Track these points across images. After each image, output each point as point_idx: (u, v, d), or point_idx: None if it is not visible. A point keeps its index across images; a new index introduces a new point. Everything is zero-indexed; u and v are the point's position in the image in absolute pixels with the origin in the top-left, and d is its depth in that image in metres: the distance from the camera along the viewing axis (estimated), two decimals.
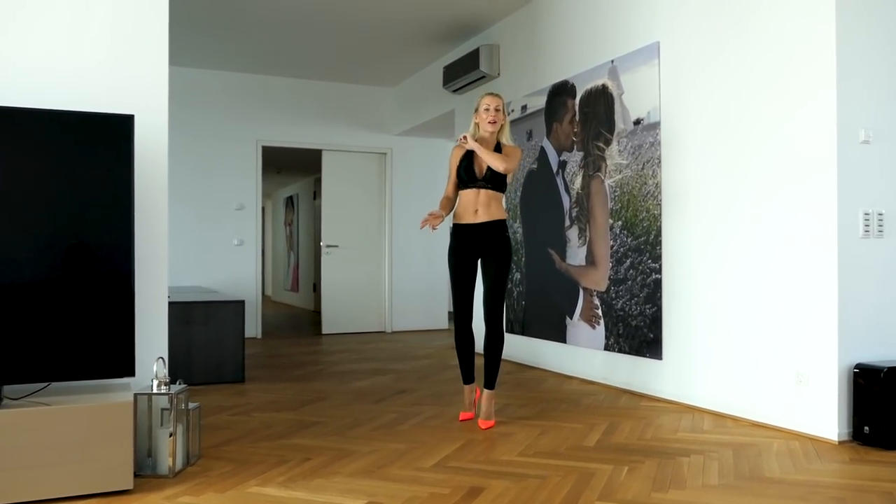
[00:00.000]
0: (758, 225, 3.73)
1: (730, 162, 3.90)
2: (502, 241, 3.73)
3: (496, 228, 3.73)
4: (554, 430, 3.60)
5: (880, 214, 3.44)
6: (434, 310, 8.70)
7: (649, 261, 4.44)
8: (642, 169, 4.50)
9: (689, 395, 4.15)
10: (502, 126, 3.80)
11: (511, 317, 6.00)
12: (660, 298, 4.35)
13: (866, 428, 3.25)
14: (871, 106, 3.44)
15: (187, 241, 7.63)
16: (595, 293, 4.93)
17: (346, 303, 8.39)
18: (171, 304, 4.34)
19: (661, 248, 4.36)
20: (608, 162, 4.81)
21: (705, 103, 4.06)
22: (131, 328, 2.79)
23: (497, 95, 3.81)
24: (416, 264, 8.62)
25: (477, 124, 3.79)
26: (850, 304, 3.36)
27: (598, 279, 4.90)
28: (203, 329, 4.97)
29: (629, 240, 4.61)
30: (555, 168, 5.42)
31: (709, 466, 2.95)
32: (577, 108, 5.17)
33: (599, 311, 4.88)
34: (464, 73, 6.55)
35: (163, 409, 2.91)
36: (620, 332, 4.68)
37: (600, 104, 4.90)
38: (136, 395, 2.83)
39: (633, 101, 4.60)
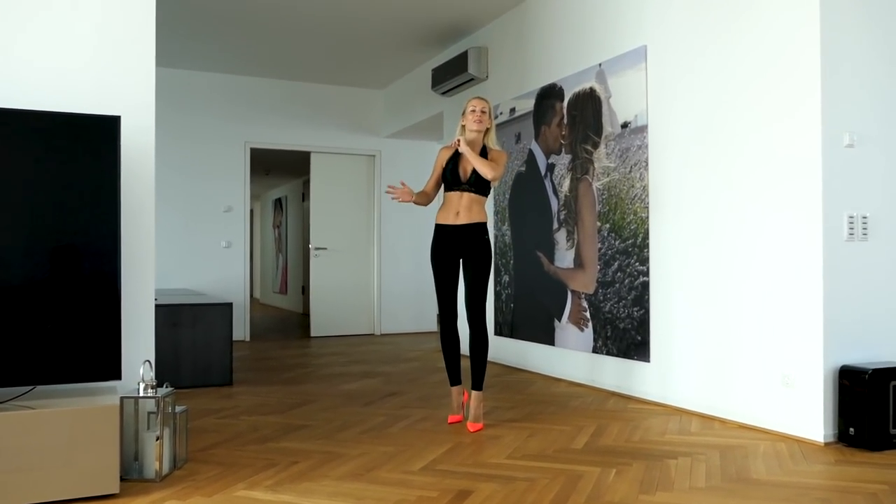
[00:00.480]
0: (744, 227, 3.75)
1: (716, 165, 3.92)
2: (482, 244, 3.77)
3: (476, 231, 3.76)
4: (542, 432, 3.61)
5: (864, 217, 3.47)
6: (423, 312, 8.69)
7: (637, 263, 4.46)
8: (630, 172, 4.52)
9: (676, 398, 4.17)
10: (488, 130, 3.85)
11: (499, 319, 6.00)
12: (647, 301, 4.37)
13: (851, 429, 3.27)
14: (856, 109, 3.47)
15: (175, 243, 7.59)
16: (583, 296, 4.95)
17: (334, 305, 8.37)
18: (158, 306, 4.31)
19: (648, 251, 4.38)
20: (596, 165, 4.83)
21: (691, 106, 4.09)
22: (117, 331, 2.77)
23: (484, 99, 3.88)
24: (405, 267, 8.61)
25: (463, 126, 3.83)
26: (836, 306, 3.38)
27: (586, 282, 4.91)
28: (190, 332, 4.95)
29: (617, 242, 4.63)
30: (543, 171, 5.43)
31: (696, 468, 2.97)
32: (565, 111, 5.18)
33: (587, 314, 4.90)
34: (452, 75, 6.55)
35: (149, 413, 2.89)
36: (608, 334, 4.70)
37: (588, 107, 4.92)
38: (122, 399, 2.81)
39: (620, 105, 4.62)
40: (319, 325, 8.30)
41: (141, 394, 2.86)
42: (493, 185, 3.87)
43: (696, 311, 4.05)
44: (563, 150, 5.19)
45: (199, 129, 7.76)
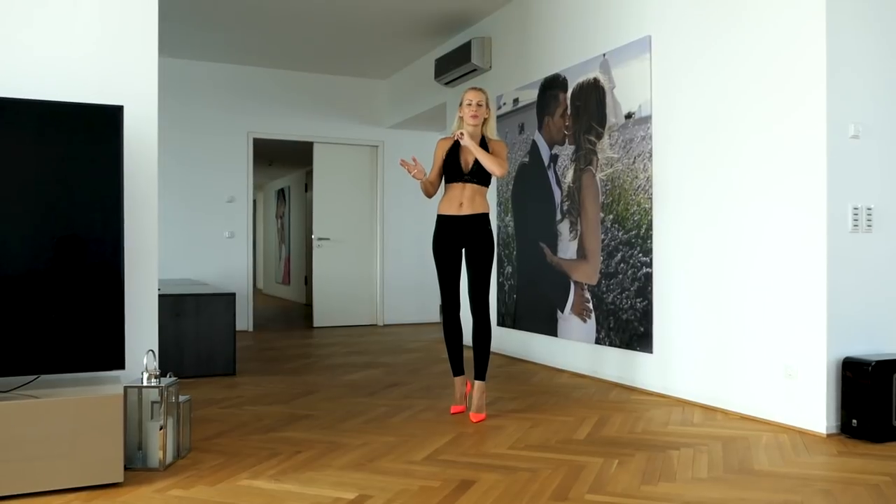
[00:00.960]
0: (747, 219, 3.74)
1: (720, 156, 3.91)
2: (485, 234, 3.76)
3: (479, 221, 3.76)
4: (544, 423, 3.61)
5: (869, 209, 3.46)
6: (426, 303, 8.70)
7: (640, 255, 4.45)
8: (633, 163, 4.51)
9: (679, 389, 4.17)
10: (486, 120, 3.81)
11: (502, 310, 6.00)
12: (650, 292, 4.37)
13: (854, 421, 3.27)
14: (862, 101, 3.45)
15: (178, 233, 7.59)
16: (586, 287, 4.94)
17: (337, 296, 8.38)
18: (161, 296, 4.32)
19: (651, 242, 4.37)
20: (599, 156, 4.82)
21: (696, 97, 4.07)
22: (121, 321, 2.77)
23: (480, 90, 3.81)
24: (408, 257, 8.61)
25: (461, 118, 3.80)
26: (839, 298, 3.38)
27: (590, 273, 4.91)
28: (194, 322, 4.96)
29: (620, 233, 4.62)
30: (546, 162, 5.42)
31: (698, 459, 2.97)
32: (568, 101, 5.17)
33: (590, 305, 4.89)
34: (455, 65, 6.53)
35: (153, 402, 2.90)
36: (611, 325, 4.70)
37: (592, 98, 4.91)
38: (126, 388, 2.82)
39: (624, 95, 4.60)
40: (322, 315, 8.31)
41: (144, 383, 2.87)
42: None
43: (699, 302, 4.04)
44: (567, 140, 5.17)
45: (202, 119, 7.75)
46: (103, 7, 3.16)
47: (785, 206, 3.54)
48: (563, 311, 5.19)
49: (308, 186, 11.30)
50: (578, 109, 5.05)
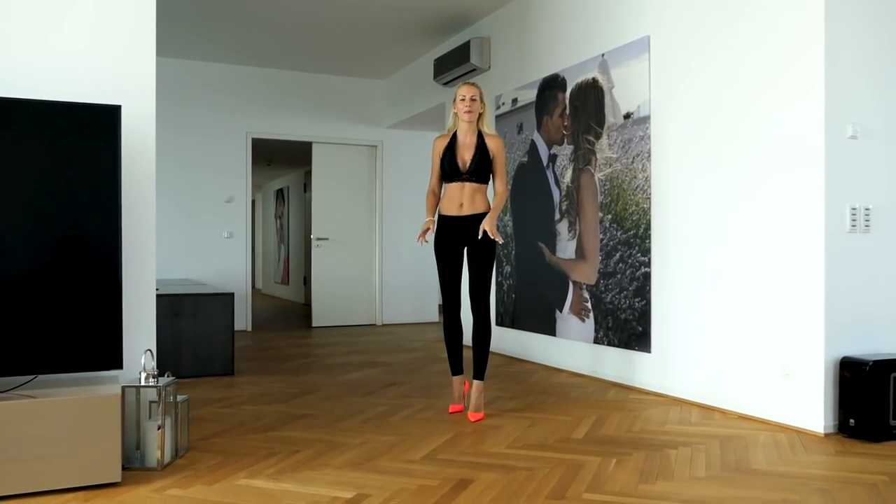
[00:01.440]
0: (746, 219, 3.74)
1: (718, 156, 3.91)
2: (486, 234, 3.74)
3: (481, 221, 3.74)
4: (543, 422, 3.61)
5: (867, 209, 3.46)
6: (424, 303, 8.70)
7: (638, 254, 4.46)
8: (632, 163, 4.51)
9: (676, 388, 4.17)
10: (482, 115, 3.80)
11: (501, 310, 6.01)
12: (648, 292, 4.37)
13: (852, 420, 3.28)
14: (860, 101, 3.46)
15: (176, 233, 7.59)
16: (584, 286, 4.95)
17: (336, 296, 8.38)
18: (159, 296, 4.32)
19: (650, 242, 4.38)
20: (598, 155, 4.82)
21: (694, 97, 4.07)
22: (119, 320, 2.77)
23: (473, 84, 3.79)
24: (407, 257, 8.61)
25: (455, 114, 3.80)
26: (837, 297, 3.38)
27: (588, 272, 4.91)
28: (192, 321, 4.96)
29: (619, 233, 4.63)
30: (545, 161, 5.42)
31: (696, 458, 2.97)
32: (567, 101, 5.17)
33: (589, 305, 4.90)
34: (454, 65, 6.53)
35: (151, 402, 2.90)
36: (609, 325, 4.70)
37: (590, 98, 4.91)
38: (124, 388, 2.82)
39: (623, 95, 4.60)
40: (321, 315, 8.31)
41: (142, 383, 2.87)
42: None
43: (697, 301, 4.05)
44: (566, 140, 5.17)
45: (200, 120, 7.75)
46: (100, 6, 3.15)
47: (783, 206, 3.54)
48: (561, 311, 5.20)
49: (307, 186, 11.30)
50: (577, 109, 5.05)
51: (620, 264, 4.61)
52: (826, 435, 3.33)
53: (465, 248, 3.81)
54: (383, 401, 4.13)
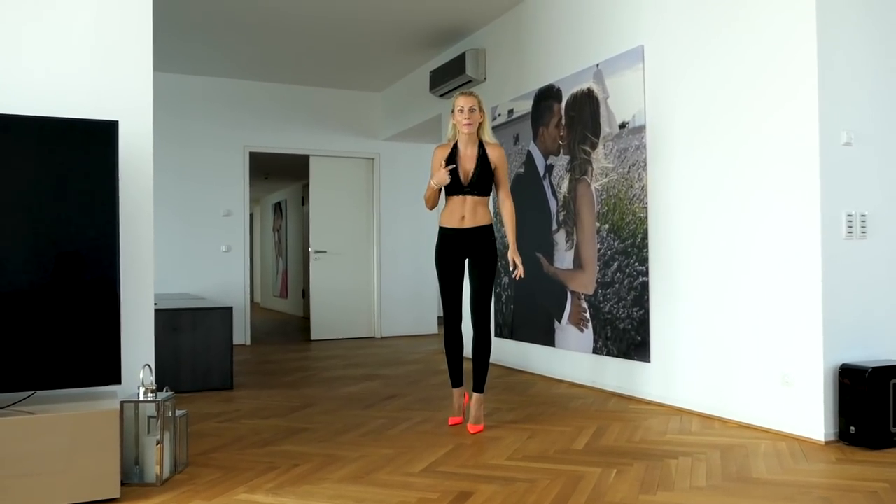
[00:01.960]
0: (742, 227, 3.75)
1: (714, 164, 3.93)
2: (488, 246, 3.75)
3: (482, 233, 3.75)
4: (542, 433, 3.61)
5: (863, 216, 3.47)
6: (423, 315, 8.69)
7: (636, 264, 4.46)
8: (628, 172, 4.52)
9: (676, 398, 4.17)
10: (481, 123, 3.77)
11: (500, 321, 6.00)
12: (647, 301, 4.37)
13: (852, 428, 3.27)
14: (854, 108, 3.47)
15: (174, 247, 7.59)
16: (583, 296, 4.95)
17: (335, 308, 8.37)
18: (157, 310, 4.32)
19: (647, 251, 4.38)
20: (594, 165, 4.83)
21: (689, 106, 4.09)
22: (117, 335, 2.77)
23: (471, 94, 3.74)
24: (405, 269, 8.61)
25: (455, 125, 3.79)
26: (835, 304, 3.38)
27: (586, 282, 4.91)
28: (190, 336, 4.95)
29: (616, 243, 4.63)
30: (542, 172, 5.43)
31: (697, 468, 2.97)
32: (563, 111, 5.19)
33: (587, 315, 4.90)
34: (450, 77, 6.56)
35: (150, 417, 2.89)
36: (608, 335, 4.70)
37: (586, 108, 4.93)
38: (122, 403, 2.81)
39: (618, 105, 4.62)
40: (320, 328, 8.30)
41: (141, 398, 2.86)
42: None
43: (695, 310, 4.05)
44: (562, 150, 5.19)
45: (198, 134, 7.76)
46: (98, 22, 3.17)
47: (779, 214, 3.55)
48: (560, 321, 5.19)
49: (304, 199, 11.31)
50: (573, 120, 5.07)
51: (618, 274, 4.61)
52: (827, 443, 3.33)
53: (467, 261, 3.81)
54: (382, 414, 4.12)
